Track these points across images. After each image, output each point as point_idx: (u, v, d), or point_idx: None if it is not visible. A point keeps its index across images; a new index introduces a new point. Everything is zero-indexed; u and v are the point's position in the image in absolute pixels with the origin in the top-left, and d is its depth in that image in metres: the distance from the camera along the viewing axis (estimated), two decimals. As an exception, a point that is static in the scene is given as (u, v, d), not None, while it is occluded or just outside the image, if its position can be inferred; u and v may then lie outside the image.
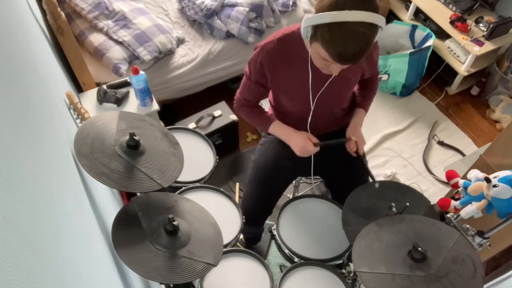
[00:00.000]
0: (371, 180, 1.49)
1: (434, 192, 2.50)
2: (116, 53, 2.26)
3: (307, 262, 1.40)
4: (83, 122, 1.32)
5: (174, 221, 0.98)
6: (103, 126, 1.09)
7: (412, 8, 3.01)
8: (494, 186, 1.15)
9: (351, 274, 1.41)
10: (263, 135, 1.71)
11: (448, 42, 2.86)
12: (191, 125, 2.34)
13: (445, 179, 2.33)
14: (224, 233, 1.13)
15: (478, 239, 1.21)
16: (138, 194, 1.14)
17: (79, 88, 2.17)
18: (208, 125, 2.37)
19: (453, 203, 1.32)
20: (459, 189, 1.32)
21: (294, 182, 1.92)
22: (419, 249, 1.04)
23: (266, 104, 1.65)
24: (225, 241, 1.36)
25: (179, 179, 1.15)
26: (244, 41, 2.56)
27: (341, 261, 1.42)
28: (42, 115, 0.89)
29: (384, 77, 2.86)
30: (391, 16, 3.19)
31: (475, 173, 1.26)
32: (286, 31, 1.34)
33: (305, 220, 1.54)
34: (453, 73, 2.88)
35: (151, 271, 0.91)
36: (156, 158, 1.10)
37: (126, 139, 1.06)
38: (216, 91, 2.71)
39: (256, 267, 1.39)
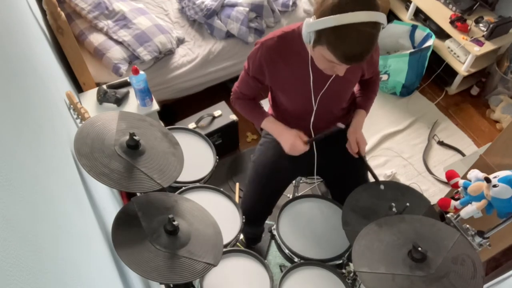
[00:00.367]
0: (374, 181, 1.48)
1: (434, 192, 2.50)
2: (116, 53, 2.26)
3: (307, 262, 1.40)
4: (83, 122, 1.32)
5: (174, 221, 0.98)
6: (103, 126, 1.09)
7: (412, 8, 3.01)
8: (494, 186, 1.15)
9: (351, 274, 1.41)
10: (263, 135, 1.71)
11: (448, 42, 2.86)
12: (191, 125, 2.34)
13: (445, 179, 2.33)
14: (224, 233, 1.13)
15: (478, 239, 1.21)
16: (138, 194, 1.14)
17: (79, 88, 2.17)
18: (208, 125, 2.37)
19: (453, 203, 1.32)
20: (459, 189, 1.32)
21: (294, 182, 1.92)
22: (419, 249, 1.04)
23: (265, 104, 1.65)
24: (225, 241, 1.36)
25: (179, 179, 1.15)
26: (244, 41, 2.56)
27: (341, 261, 1.42)
28: (42, 115, 0.89)
29: (384, 77, 2.86)
30: (391, 16, 3.19)
31: (475, 173, 1.26)
32: (286, 29, 1.34)
33: (305, 220, 1.54)
34: (453, 73, 2.88)
35: (151, 271, 0.91)
36: (156, 158, 1.10)
37: (126, 139, 1.06)
38: (216, 91, 2.71)
39: (256, 267, 1.39)
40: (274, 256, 2.05)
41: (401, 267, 1.05)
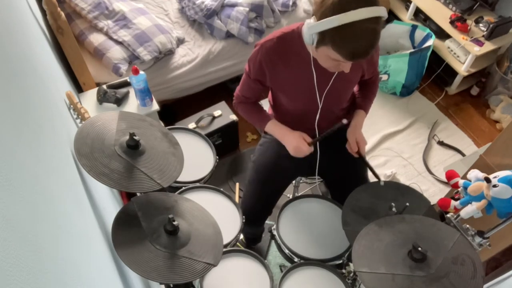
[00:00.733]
0: (375, 179, 1.48)
1: (434, 192, 2.50)
2: (116, 53, 2.26)
3: (307, 262, 1.40)
4: (83, 122, 1.32)
5: (174, 221, 0.98)
6: (103, 126, 1.09)
7: (412, 8, 3.01)
8: (494, 186, 1.15)
9: (351, 274, 1.41)
10: (263, 135, 1.71)
11: (448, 42, 2.86)
12: (191, 125, 2.34)
13: (445, 179, 2.33)
14: (224, 233, 1.13)
15: (478, 239, 1.21)
16: (138, 194, 1.14)
17: (79, 88, 2.17)
18: (208, 125, 2.37)
19: (453, 203, 1.32)
20: (459, 189, 1.32)
21: (294, 182, 1.92)
22: (419, 249, 1.04)
23: (265, 105, 1.65)
24: (225, 241, 1.36)
25: (179, 179, 1.15)
26: (244, 41, 2.56)
27: (341, 261, 1.42)
28: (42, 115, 0.89)
29: (384, 77, 2.86)
30: (391, 16, 3.19)
31: (475, 173, 1.25)
32: (286, 30, 1.34)
33: (305, 220, 1.54)
34: (453, 73, 2.88)
35: (151, 271, 0.91)
36: (156, 158, 1.10)
37: (126, 139, 1.06)
38: (216, 91, 2.71)
39: (256, 267, 1.39)
40: (274, 256, 2.05)
41: (401, 267, 1.05)
